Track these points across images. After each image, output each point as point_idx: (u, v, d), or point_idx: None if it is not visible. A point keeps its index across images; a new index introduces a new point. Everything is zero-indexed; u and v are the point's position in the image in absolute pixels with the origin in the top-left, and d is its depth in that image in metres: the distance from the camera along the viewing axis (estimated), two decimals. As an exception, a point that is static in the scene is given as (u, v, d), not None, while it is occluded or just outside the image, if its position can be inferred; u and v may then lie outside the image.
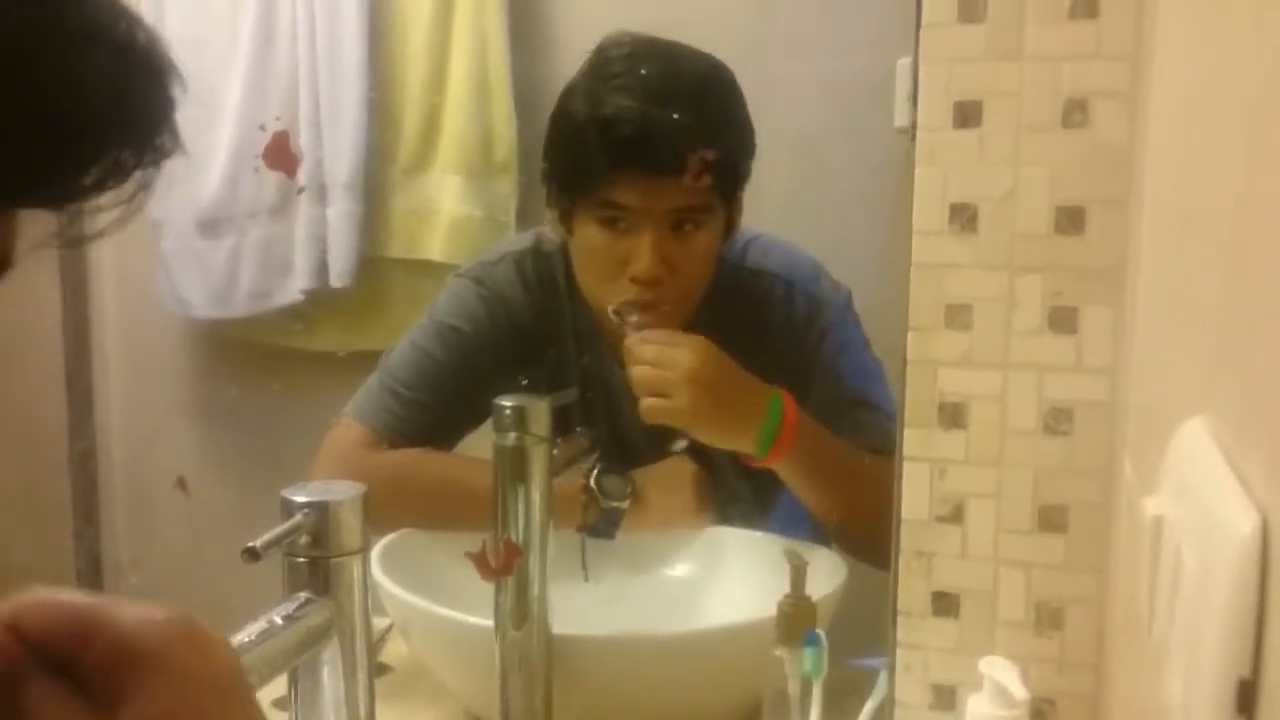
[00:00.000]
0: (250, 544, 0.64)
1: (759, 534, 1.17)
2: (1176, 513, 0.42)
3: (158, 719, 0.39)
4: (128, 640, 0.39)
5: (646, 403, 1.06)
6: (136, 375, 1.80)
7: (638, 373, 1.06)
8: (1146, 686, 0.49)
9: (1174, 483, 0.44)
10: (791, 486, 1.11)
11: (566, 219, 1.16)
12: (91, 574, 1.71)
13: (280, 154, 1.62)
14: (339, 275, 1.66)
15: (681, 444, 1.11)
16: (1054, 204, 0.73)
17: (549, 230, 1.20)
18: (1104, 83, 0.71)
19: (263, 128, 1.64)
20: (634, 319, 1.11)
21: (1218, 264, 0.46)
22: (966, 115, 0.74)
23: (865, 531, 1.05)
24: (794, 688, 0.90)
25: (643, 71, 1.10)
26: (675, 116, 1.08)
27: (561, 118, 1.15)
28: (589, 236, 1.13)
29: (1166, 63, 0.63)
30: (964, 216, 0.75)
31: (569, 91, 1.15)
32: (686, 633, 1.07)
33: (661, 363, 1.06)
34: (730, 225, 1.17)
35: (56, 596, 0.40)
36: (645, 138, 1.08)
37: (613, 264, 1.12)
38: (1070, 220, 0.73)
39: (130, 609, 0.40)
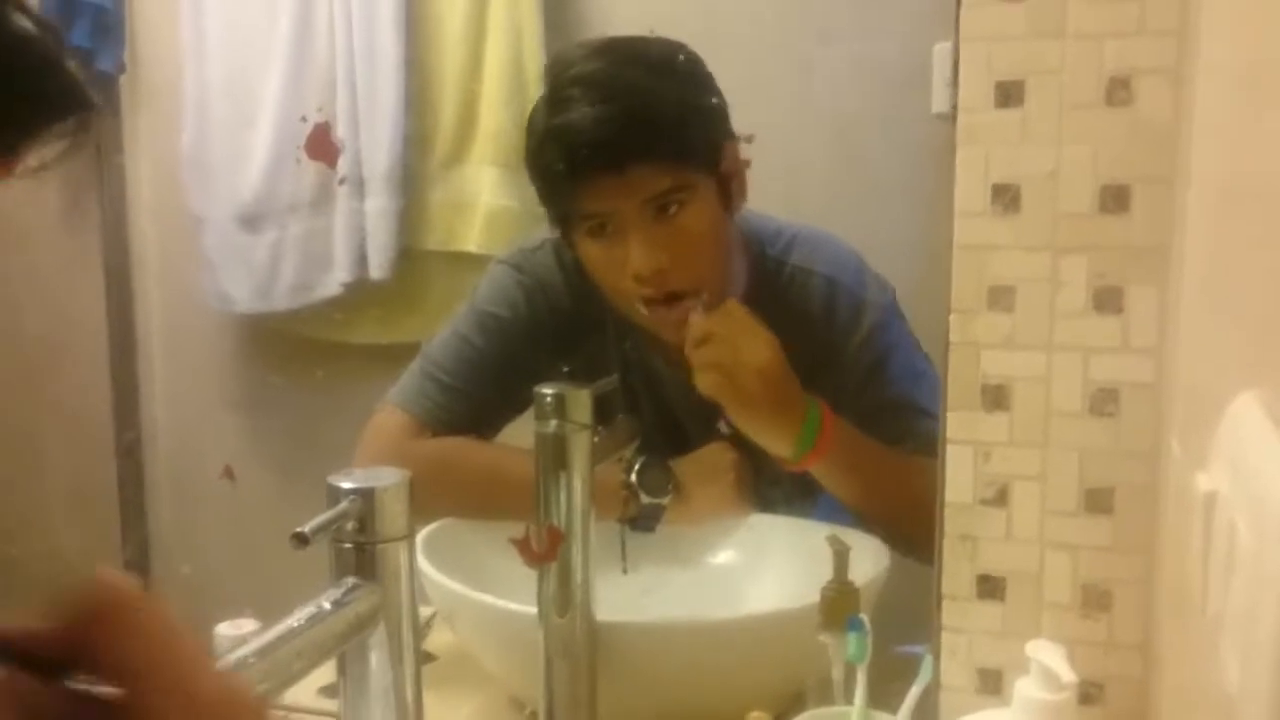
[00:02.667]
0: (299, 529, 0.65)
1: (801, 521, 1.17)
2: (1230, 488, 0.42)
3: None
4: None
5: (710, 377, 1.06)
6: (180, 369, 1.82)
7: (707, 350, 1.06)
8: (1200, 665, 0.48)
9: (1226, 458, 0.43)
10: (827, 488, 1.11)
11: (568, 239, 1.16)
12: (139, 562, 1.73)
13: (321, 144, 1.63)
14: (378, 268, 1.67)
15: (724, 427, 1.10)
16: (1098, 183, 0.72)
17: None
18: (1148, 60, 0.71)
19: (304, 119, 1.65)
20: (665, 309, 1.11)
21: (1270, 240, 0.45)
22: (1008, 94, 0.73)
23: (906, 529, 1.05)
24: (838, 673, 0.90)
25: (579, 79, 1.10)
26: (614, 112, 1.08)
27: (528, 151, 1.16)
28: (587, 250, 1.14)
29: (1213, 39, 0.63)
30: (1006, 197, 0.74)
31: (530, 121, 1.15)
32: (730, 619, 1.07)
33: (732, 343, 1.06)
34: (729, 195, 1.15)
35: (151, 624, 0.40)
36: (594, 138, 1.07)
37: (616, 268, 1.12)
38: (1115, 199, 0.72)
39: (209, 680, 0.40)
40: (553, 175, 1.12)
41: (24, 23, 0.37)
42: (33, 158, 0.39)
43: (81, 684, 0.39)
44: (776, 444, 1.08)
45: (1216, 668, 0.42)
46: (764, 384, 1.05)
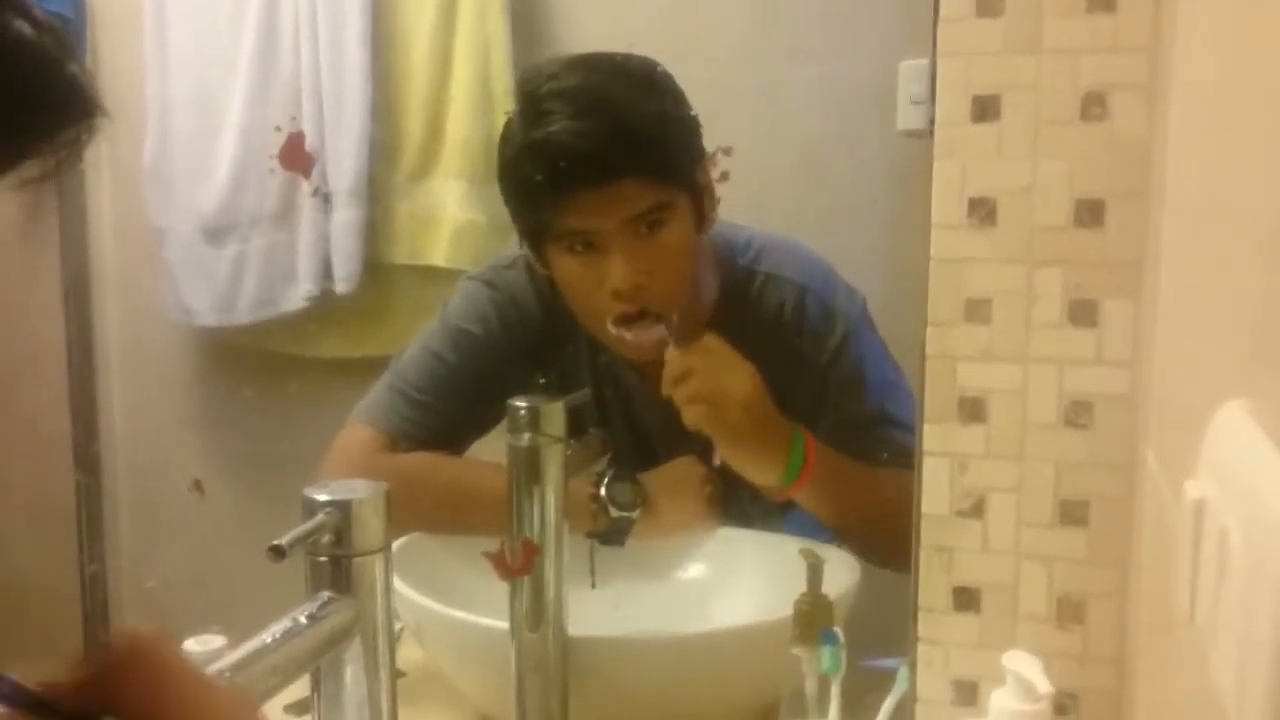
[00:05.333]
0: (276, 542, 0.64)
1: (769, 535, 1.17)
2: (1220, 495, 0.42)
3: None
4: None
5: (696, 410, 1.05)
6: (141, 385, 1.79)
7: (689, 385, 1.05)
8: (1184, 674, 0.48)
9: (1215, 465, 0.44)
10: (810, 510, 1.11)
11: (541, 257, 1.16)
12: (100, 577, 1.71)
13: (295, 155, 1.62)
14: (343, 281, 1.66)
15: (718, 459, 1.09)
16: (1073, 197, 0.73)
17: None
18: (1122, 75, 0.71)
19: (278, 128, 1.64)
20: (636, 330, 1.11)
21: (1253, 251, 0.46)
22: (985, 109, 0.74)
23: (885, 542, 1.05)
24: (811, 686, 0.90)
25: (561, 93, 1.09)
26: (599, 126, 1.07)
27: (503, 165, 1.15)
28: (563, 267, 1.13)
29: (1187, 54, 0.63)
30: (983, 210, 0.75)
31: (505, 136, 1.14)
32: (703, 633, 1.07)
33: (713, 377, 1.05)
34: (702, 213, 1.14)
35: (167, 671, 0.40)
36: (577, 152, 1.06)
37: (592, 286, 1.11)
38: (1089, 213, 0.73)
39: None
40: (530, 191, 1.11)
41: (22, 25, 0.37)
42: (34, 166, 0.38)
43: None
44: (765, 474, 1.08)
45: (1204, 675, 0.43)
46: (748, 415, 1.05)
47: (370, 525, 0.71)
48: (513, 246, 1.24)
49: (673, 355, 1.07)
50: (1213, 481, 0.43)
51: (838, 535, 1.12)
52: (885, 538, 1.05)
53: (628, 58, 1.14)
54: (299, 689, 0.75)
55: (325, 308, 1.68)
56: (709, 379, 1.06)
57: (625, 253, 1.08)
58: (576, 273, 1.12)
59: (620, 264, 1.08)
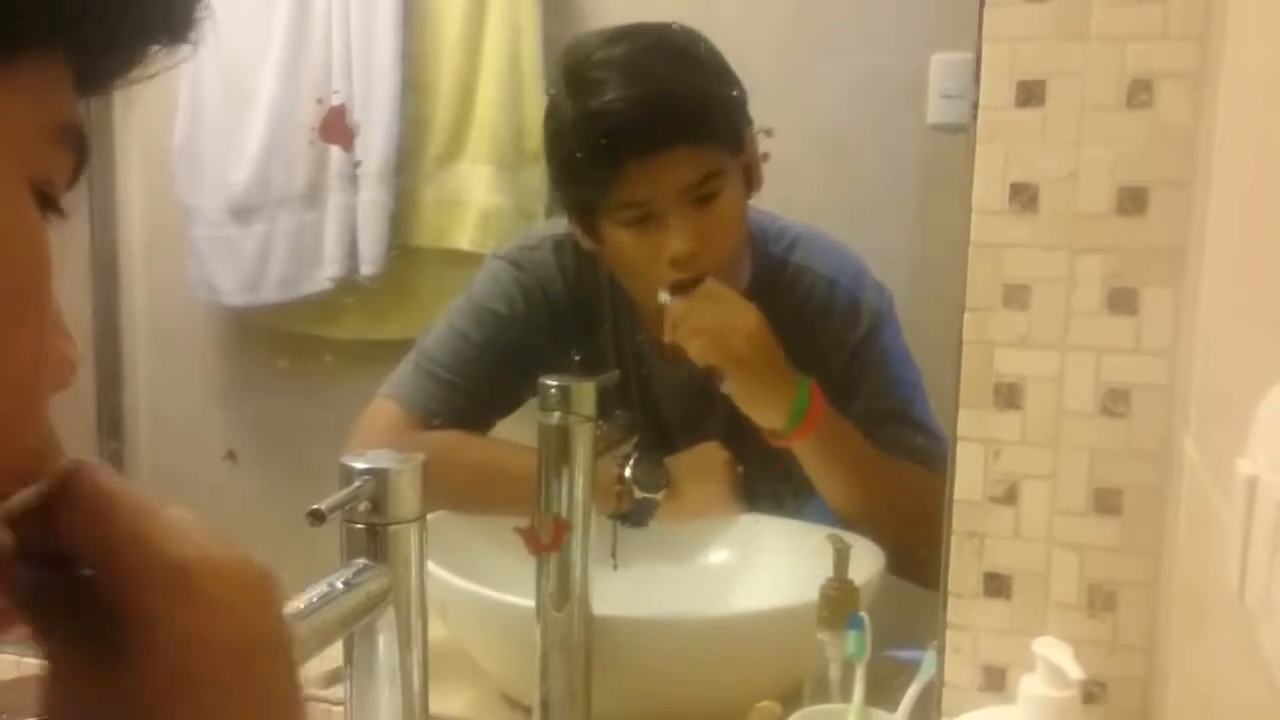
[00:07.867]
0: (315, 506, 0.64)
1: (791, 522, 1.17)
2: (1273, 472, 0.42)
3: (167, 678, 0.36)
4: (160, 577, 0.36)
5: (699, 341, 1.06)
6: (165, 362, 1.80)
7: (691, 319, 1.07)
8: (1231, 653, 0.48)
9: (1267, 443, 0.44)
10: (812, 474, 1.11)
11: (591, 231, 1.15)
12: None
13: (336, 127, 1.62)
14: (369, 263, 1.65)
15: (728, 385, 1.09)
16: (1116, 184, 0.73)
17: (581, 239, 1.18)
18: (1170, 63, 0.71)
19: (320, 101, 1.64)
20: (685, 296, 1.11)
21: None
22: (1030, 94, 0.74)
23: (889, 534, 1.05)
24: (835, 671, 0.90)
25: (609, 63, 1.09)
26: (652, 93, 1.08)
27: (552, 139, 1.16)
28: (619, 241, 1.13)
29: (1239, 43, 0.63)
30: (1024, 196, 0.75)
31: (551, 111, 1.15)
32: (729, 615, 1.07)
33: (714, 312, 1.07)
34: (750, 175, 1.15)
35: (109, 495, 0.38)
36: (633, 124, 1.07)
37: (649, 256, 1.11)
38: (1132, 201, 0.73)
39: (179, 539, 0.37)
40: (583, 163, 1.11)
41: None
42: (134, 70, 0.38)
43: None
44: (770, 412, 1.08)
45: (1253, 652, 0.43)
46: (753, 347, 1.06)
47: (406, 495, 0.72)
48: (540, 228, 1.24)
49: (675, 303, 1.08)
50: (1265, 459, 0.43)
51: (844, 520, 1.11)
52: (891, 530, 1.05)
53: (671, 28, 1.14)
54: (332, 655, 0.76)
55: (350, 289, 1.68)
56: (710, 314, 1.07)
57: (681, 221, 1.08)
58: (631, 244, 1.12)
59: (678, 233, 1.08)
